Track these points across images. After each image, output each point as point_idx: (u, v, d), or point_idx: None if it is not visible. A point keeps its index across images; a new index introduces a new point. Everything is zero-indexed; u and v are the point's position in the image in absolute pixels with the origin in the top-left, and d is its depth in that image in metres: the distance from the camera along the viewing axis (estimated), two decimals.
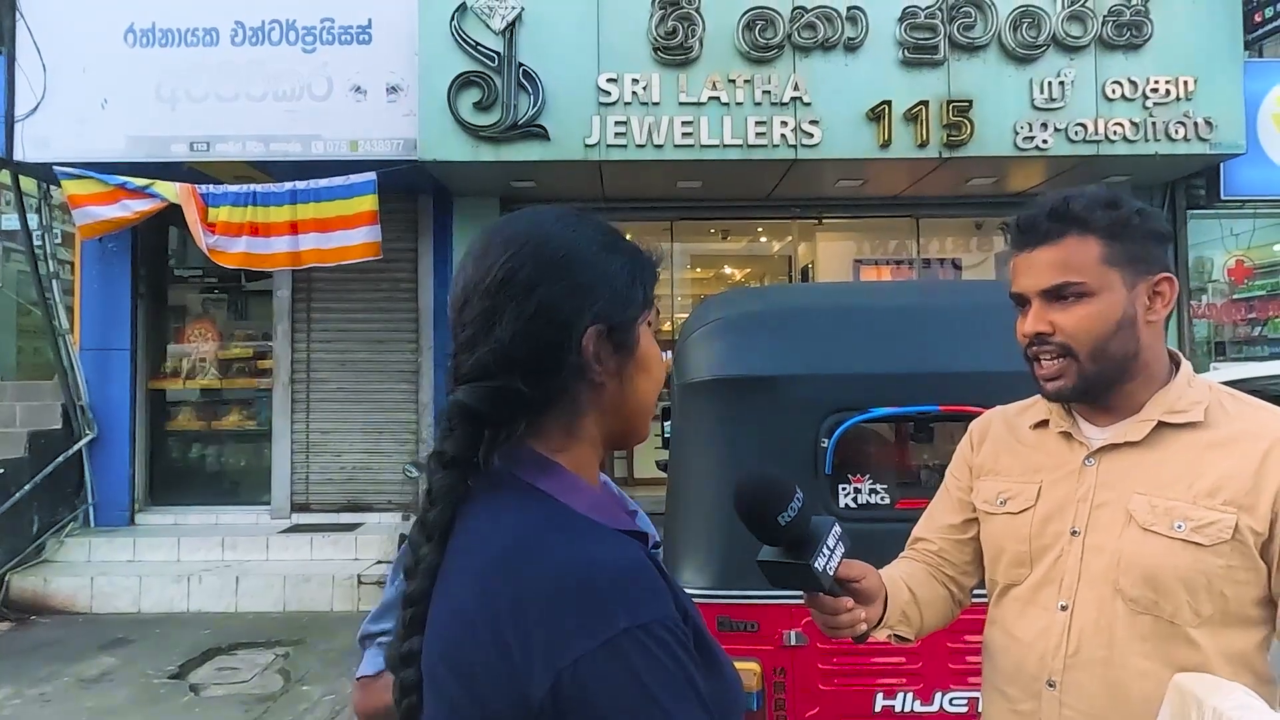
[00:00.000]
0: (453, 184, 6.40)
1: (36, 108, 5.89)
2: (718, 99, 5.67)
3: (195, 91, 5.88)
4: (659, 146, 5.66)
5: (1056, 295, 1.17)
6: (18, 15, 5.88)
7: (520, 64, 5.63)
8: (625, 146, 5.66)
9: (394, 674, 0.84)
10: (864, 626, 1.16)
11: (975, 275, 7.87)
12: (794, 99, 5.66)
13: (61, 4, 6.00)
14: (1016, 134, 5.65)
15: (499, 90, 5.59)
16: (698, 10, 5.63)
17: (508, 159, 5.66)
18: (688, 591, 2.33)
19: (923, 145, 5.64)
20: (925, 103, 5.61)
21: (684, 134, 5.65)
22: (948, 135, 5.62)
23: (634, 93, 5.66)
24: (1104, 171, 6.12)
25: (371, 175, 5.74)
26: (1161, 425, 1.18)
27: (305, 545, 6.28)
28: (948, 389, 2.19)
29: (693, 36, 5.63)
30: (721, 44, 5.68)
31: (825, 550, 1.06)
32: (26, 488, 6.11)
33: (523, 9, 5.65)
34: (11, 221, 6.82)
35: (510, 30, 5.62)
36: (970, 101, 5.62)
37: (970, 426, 1.46)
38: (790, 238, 8.26)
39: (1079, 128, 5.64)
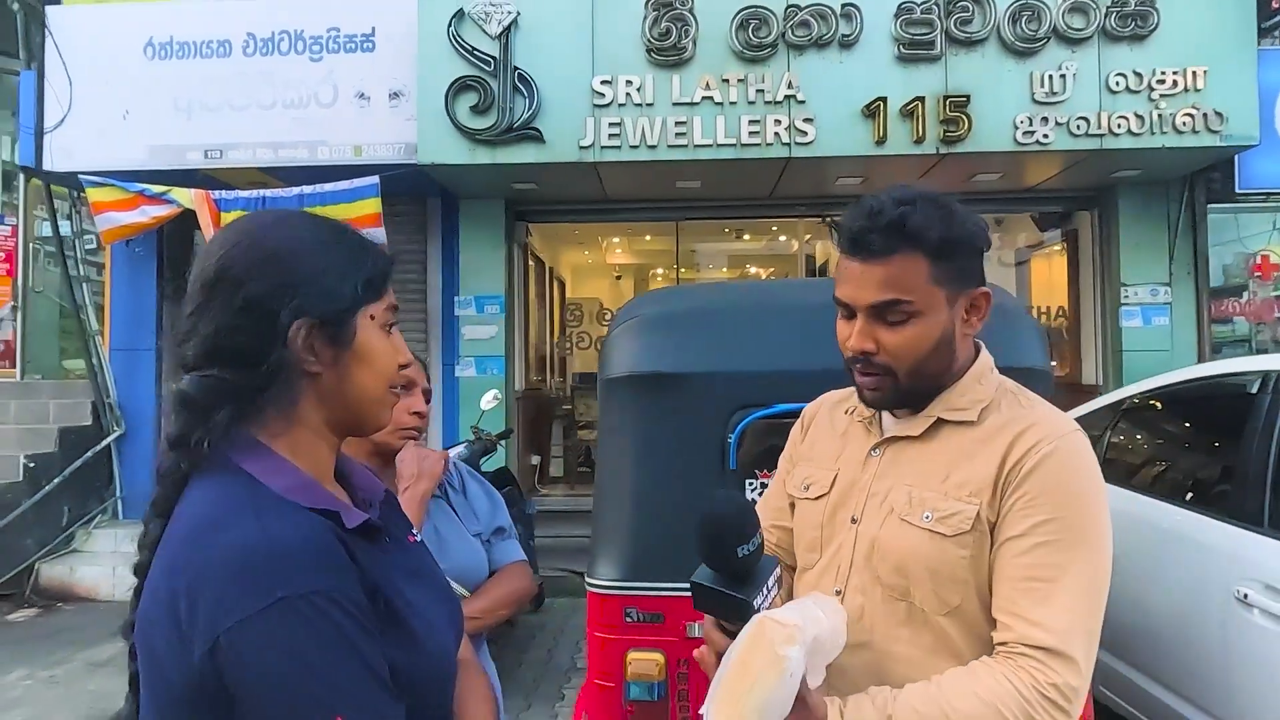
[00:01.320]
0: (456, 187, 6.54)
1: (63, 120, 6.19)
2: (711, 99, 5.69)
3: (209, 101, 6.12)
4: (652, 147, 5.70)
5: (883, 312, 1.15)
6: (46, 32, 6.19)
7: (516, 67, 5.73)
8: (619, 148, 5.72)
9: (126, 641, 0.92)
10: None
11: (997, 273, 7.74)
12: (788, 97, 5.66)
13: (85, 20, 6.30)
14: (1016, 129, 5.55)
15: (495, 94, 5.70)
16: (691, 11, 5.66)
17: (504, 161, 5.77)
18: (600, 582, 2.38)
19: (919, 141, 5.58)
20: (921, 98, 5.55)
21: (677, 134, 5.69)
22: (945, 131, 5.55)
23: (628, 94, 5.71)
24: (1113, 165, 5.98)
25: (374, 179, 5.89)
26: (941, 421, 1.20)
27: None
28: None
29: (686, 37, 5.67)
30: (715, 44, 5.70)
31: (765, 590, 1.07)
32: (57, 480, 6.42)
33: (518, 13, 5.75)
34: (47, 228, 7.17)
35: (506, 34, 5.73)
36: (968, 96, 5.55)
37: (803, 412, 1.48)
38: (809, 236, 8.24)
39: (1081, 121, 5.51)
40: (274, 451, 0.90)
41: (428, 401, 1.66)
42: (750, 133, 5.67)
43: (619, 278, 11.54)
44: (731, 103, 5.70)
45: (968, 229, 1.18)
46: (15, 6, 6.04)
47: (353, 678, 0.78)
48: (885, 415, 1.27)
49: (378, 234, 5.98)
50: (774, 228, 8.91)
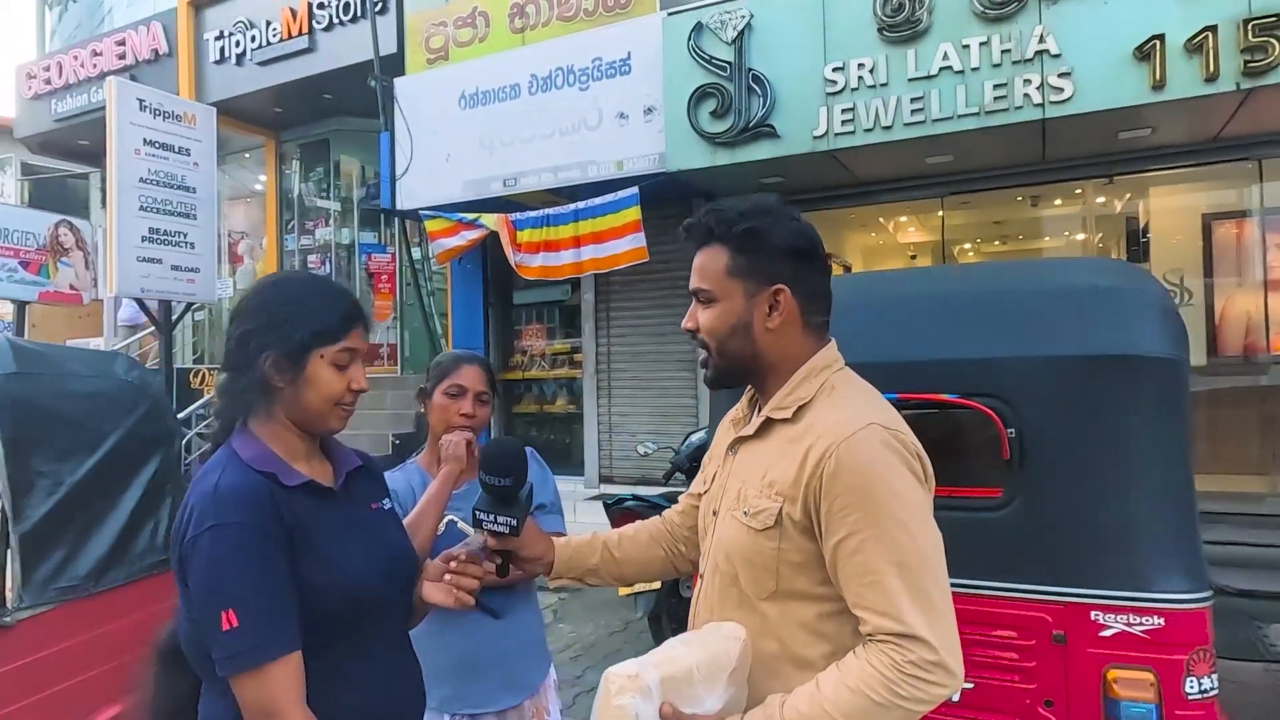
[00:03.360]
0: (710, 188, 6.94)
1: (407, 168, 7.76)
2: (950, 68, 5.39)
3: (504, 137, 7.25)
4: (887, 128, 5.57)
5: (699, 295, 1.38)
6: (394, 99, 7.81)
7: (750, 69, 5.97)
8: (852, 133, 5.68)
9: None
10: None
11: None
12: (1039, 53, 5.15)
13: (420, 85, 7.82)
14: None
15: (732, 97, 6.00)
16: None
17: (742, 160, 6.04)
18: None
19: (1211, 80, 4.74)
20: (1212, 28, 4.70)
21: (913, 110, 5.49)
22: (1246, 62, 4.64)
23: (859, 77, 5.64)
24: None
25: (634, 190, 6.54)
26: (770, 420, 1.32)
27: (600, 510, 7.36)
28: (918, 376, 2.20)
29: (921, 7, 5.43)
30: (953, 10, 5.38)
31: (496, 519, 1.45)
32: (414, 455, 8.09)
33: (752, 16, 5.97)
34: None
35: (740, 39, 5.99)
36: (1278, 16, 4.58)
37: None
38: (1129, 195, 7.28)
39: None
40: (254, 435, 1.38)
41: (485, 404, 2.07)
42: (995, 98, 5.27)
43: (914, 257, 11.08)
44: (973, 69, 5.34)
45: (773, 231, 1.30)
46: (372, 83, 7.70)
47: (245, 584, 1.23)
48: (754, 416, 1.40)
49: (638, 239, 6.63)
50: (1077, 190, 7.96)
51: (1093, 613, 2.00)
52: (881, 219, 9.61)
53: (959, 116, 5.37)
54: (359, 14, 8.50)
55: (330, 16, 8.74)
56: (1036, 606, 2.06)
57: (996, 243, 11.09)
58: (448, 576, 1.43)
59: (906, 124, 5.52)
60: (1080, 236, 9.27)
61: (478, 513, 1.44)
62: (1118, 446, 2.02)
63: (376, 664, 1.39)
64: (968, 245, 11.22)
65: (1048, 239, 10.00)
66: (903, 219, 9.93)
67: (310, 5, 8.82)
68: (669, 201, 7.02)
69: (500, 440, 1.54)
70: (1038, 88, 5.15)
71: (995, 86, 5.27)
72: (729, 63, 6.03)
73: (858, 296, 2.39)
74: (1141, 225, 7.62)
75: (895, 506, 1.17)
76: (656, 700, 1.14)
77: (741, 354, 1.34)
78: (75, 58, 10.50)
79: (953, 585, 2.12)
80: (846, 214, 8.70)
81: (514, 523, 1.44)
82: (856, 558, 1.17)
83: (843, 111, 5.69)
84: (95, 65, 10.18)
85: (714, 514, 1.40)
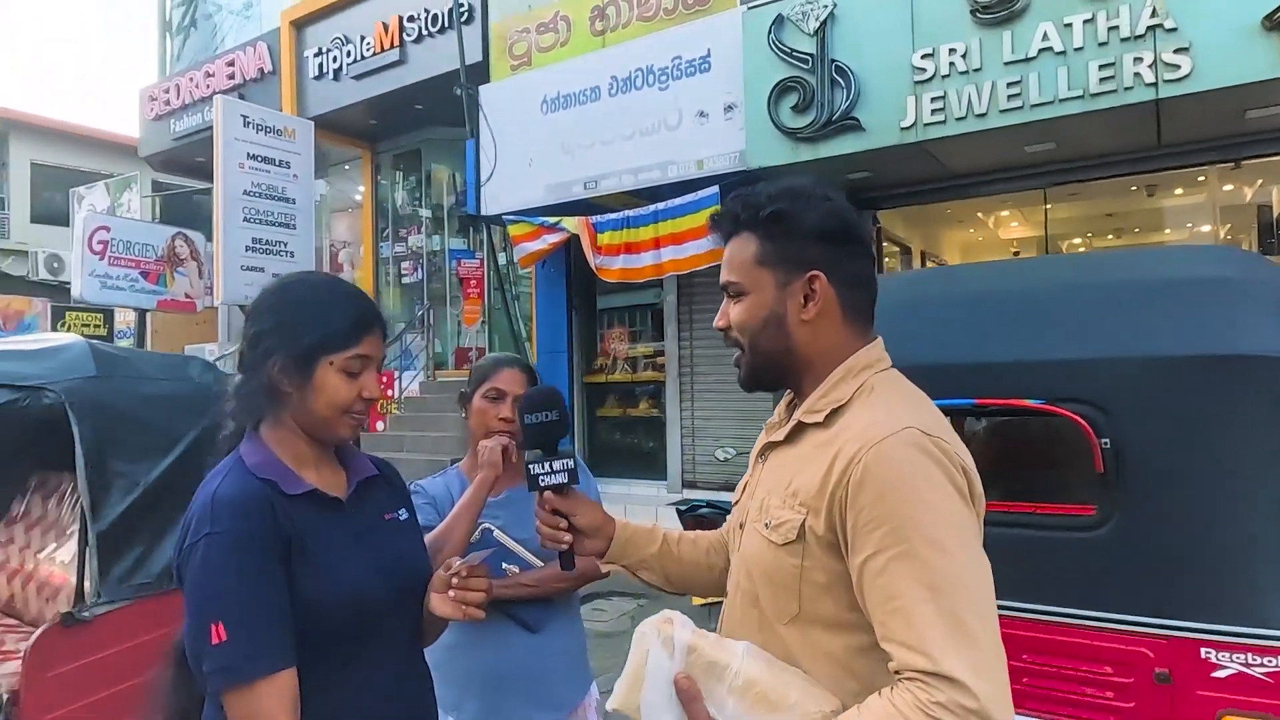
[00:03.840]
0: None
1: (491, 174, 7.86)
2: (1050, 49, 5.03)
3: (585, 140, 7.24)
4: (981, 116, 5.25)
5: (729, 290, 1.26)
6: (479, 107, 7.92)
7: (833, 60, 5.74)
8: (943, 123, 5.37)
9: None
10: (565, 540, 1.36)
11: None
12: (1152, 28, 4.73)
13: (503, 91, 7.91)
14: None
15: (814, 90, 5.78)
16: None
17: (825, 155, 5.82)
18: None
19: None
20: None
21: (1009, 96, 5.14)
22: None
23: (951, 64, 5.33)
24: None
25: (713, 189, 6.40)
26: (801, 425, 1.18)
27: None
28: (996, 380, 2.00)
29: None
30: None
31: (549, 465, 1.35)
32: None
33: (835, 5, 5.74)
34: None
35: (823, 29, 5.77)
36: None
37: None
38: (1260, 181, 6.68)
39: None
40: (261, 440, 1.34)
41: None
42: (1101, 79, 4.87)
43: (1017, 252, 10.49)
44: (1076, 49, 4.96)
45: (804, 213, 1.16)
46: (458, 92, 7.84)
47: (236, 596, 1.18)
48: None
49: (718, 239, 6.48)
50: (1200, 178, 7.34)
51: (1204, 650, 1.76)
52: (980, 214, 9.14)
53: (1060, 101, 5.00)
54: (446, 25, 8.67)
55: (420, 28, 8.96)
56: (1136, 640, 1.83)
57: (1110, 236, 10.41)
58: (451, 592, 1.35)
59: (1002, 110, 5.18)
60: (1206, 228, 8.58)
61: (530, 467, 1.34)
62: (1230, 459, 1.76)
63: (378, 678, 1.32)
64: (1077, 240, 10.57)
65: (1169, 231, 9.31)
66: (1003, 213, 9.43)
67: (401, 19, 9.07)
68: None
69: (536, 388, 1.47)
70: (1150, 66, 4.74)
71: (1101, 67, 4.87)
72: (811, 55, 5.81)
73: (929, 292, 2.20)
74: (1277, 215, 6.97)
75: (929, 521, 1.00)
76: (676, 661, 1.08)
77: (774, 350, 1.21)
78: (191, 79, 11.16)
79: (1037, 612, 1.92)
80: (941, 209, 8.31)
81: (571, 464, 1.35)
82: (880, 580, 1.01)
83: (932, 100, 5.39)
84: (208, 85, 10.78)
85: (740, 526, 1.27)
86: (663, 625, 1.12)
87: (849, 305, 1.20)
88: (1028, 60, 5.10)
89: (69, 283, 10.04)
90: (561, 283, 8.65)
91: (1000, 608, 1.92)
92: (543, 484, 1.34)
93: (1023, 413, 1.97)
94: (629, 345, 8.68)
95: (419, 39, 9.01)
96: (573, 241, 7.26)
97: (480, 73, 8.27)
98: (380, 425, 9.42)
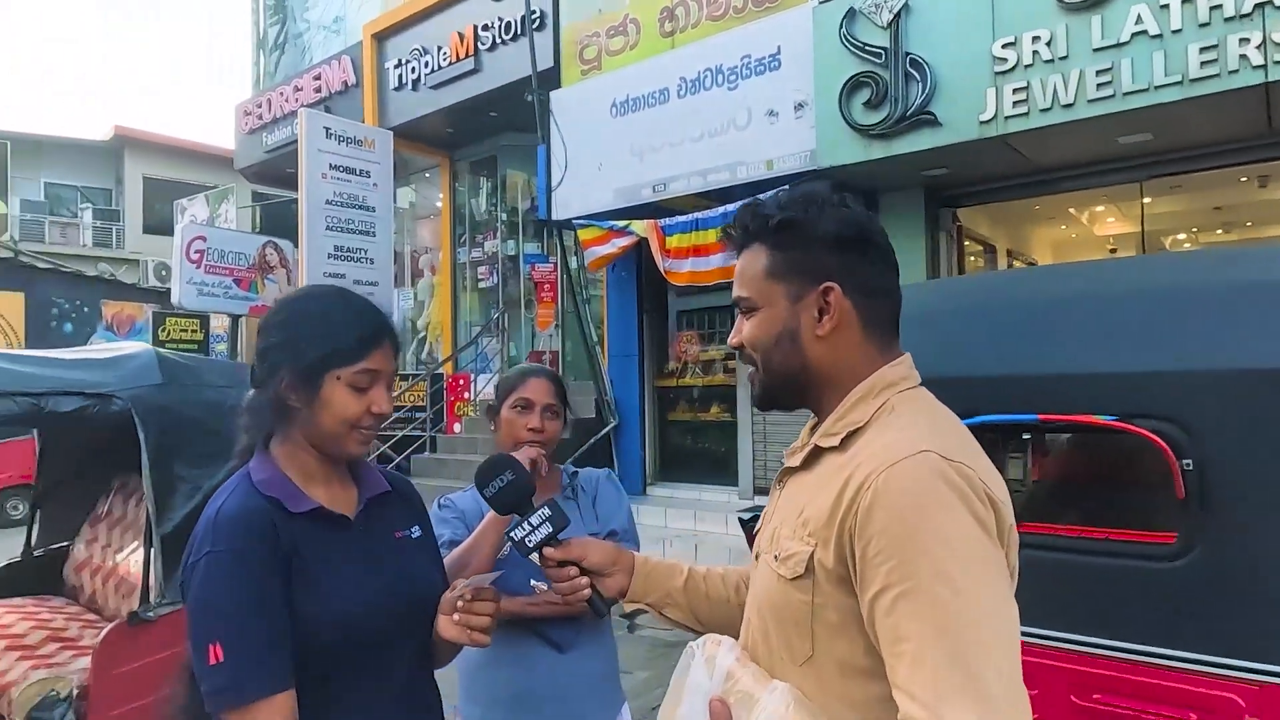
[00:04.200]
0: (867, 184, 6.51)
1: (562, 179, 7.90)
2: (1144, 33, 4.70)
3: (654, 143, 7.19)
4: (1067, 106, 4.95)
5: (739, 307, 1.18)
6: (550, 113, 7.98)
7: (908, 53, 5.52)
8: (1026, 115, 5.09)
9: None
10: (585, 592, 1.30)
11: None
12: (1260, 6, 4.36)
13: (574, 96, 7.94)
14: None
15: (887, 85, 5.58)
16: None
17: (899, 152, 5.60)
18: None
19: None
20: None
21: (1098, 85, 4.83)
22: None
23: (1034, 52, 5.05)
24: None
25: (784, 190, 6.24)
26: (818, 449, 1.09)
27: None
28: (1063, 394, 1.84)
29: None
30: None
31: (527, 525, 1.30)
32: (570, 459, 8.22)
33: None
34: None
35: (896, 21, 5.56)
36: None
37: None
38: None
39: None
40: (269, 455, 1.33)
41: (555, 418, 1.94)
42: (1203, 63, 4.52)
43: (1113, 250, 9.90)
44: (1174, 31, 4.62)
45: (816, 221, 1.07)
46: (529, 98, 7.91)
47: (234, 617, 1.16)
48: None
49: (730, 252, 6.31)
50: None
51: None
52: (1072, 209, 8.67)
53: (1156, 88, 4.67)
54: (519, 32, 8.77)
55: (493, 37, 9.09)
56: (1222, 685, 1.64)
57: (1219, 231, 9.73)
58: (456, 616, 1.30)
59: (1091, 100, 4.87)
60: None
61: (512, 535, 1.29)
62: None
63: (381, 699, 1.29)
64: (1182, 235, 9.91)
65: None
66: (1098, 208, 8.91)
67: (475, 28, 9.22)
68: None
69: (483, 461, 1.40)
70: (1258, 47, 4.37)
71: (1202, 50, 4.52)
72: (884, 49, 5.61)
73: (988, 298, 2.04)
74: None
75: (942, 555, 0.90)
76: (715, 684, 1.07)
77: (789, 368, 1.12)
78: (281, 94, 11.64)
79: (1112, 649, 1.75)
80: (1028, 206, 7.92)
81: (547, 511, 1.29)
82: (889, 620, 0.91)
83: (1014, 92, 5.12)
84: (297, 99, 11.22)
85: (756, 558, 1.19)
86: (710, 645, 1.12)
87: (869, 319, 1.10)
88: (1119, 45, 4.78)
89: None
90: (632, 286, 8.62)
91: (1071, 643, 1.78)
92: (530, 545, 1.28)
93: (1093, 429, 1.80)
94: (700, 349, 8.58)
95: (493, 47, 9.14)
96: (643, 245, 7.22)
97: (552, 78, 8.32)
98: (457, 427, 9.60)
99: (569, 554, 1.31)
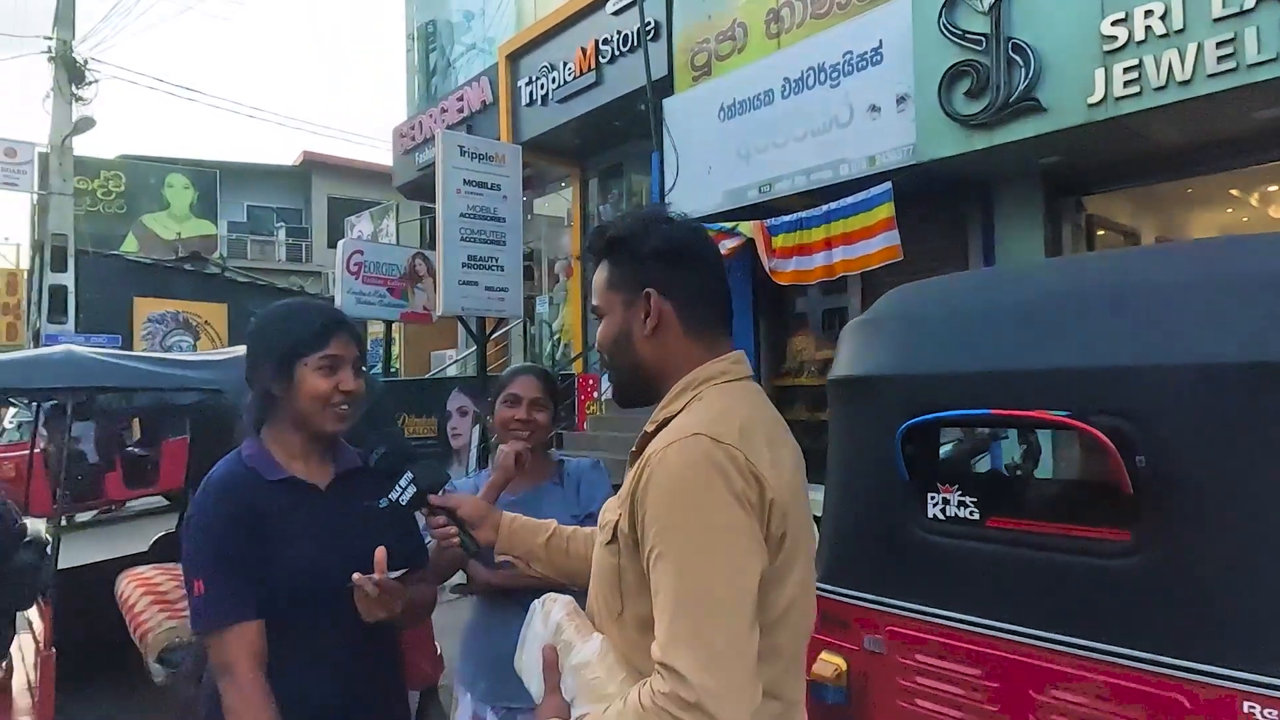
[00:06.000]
0: (979, 176, 6.27)
1: (674, 184, 8.11)
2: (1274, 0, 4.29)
3: (759, 144, 7.25)
4: (1184, 83, 4.58)
5: (595, 315, 1.37)
6: (662, 120, 8.21)
7: (1010, 38, 5.29)
8: (1139, 94, 4.76)
9: None
10: (454, 537, 1.54)
11: None
12: None
13: (684, 103, 8.13)
14: None
15: (988, 72, 5.37)
16: None
17: (1002, 141, 5.37)
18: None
19: None
20: None
21: (1220, 58, 4.45)
22: None
23: (1147, 27, 4.71)
24: None
25: (886, 185, 6.14)
26: (647, 434, 1.24)
27: None
28: (1018, 390, 1.86)
29: None
30: None
31: (397, 488, 1.56)
32: None
33: None
34: None
35: (997, 6, 5.35)
36: None
37: None
38: None
39: None
40: (258, 436, 1.63)
41: (542, 410, 2.14)
42: None
43: None
44: None
45: (638, 236, 1.23)
46: (642, 107, 8.18)
47: (212, 559, 1.46)
48: None
49: (890, 237, 6.20)
50: None
51: (1246, 703, 1.51)
52: (1235, 190, 7.86)
53: None
54: (636, 44, 9.07)
55: (613, 50, 9.45)
56: (1167, 685, 1.61)
57: None
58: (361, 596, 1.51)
59: (1210, 75, 4.49)
60: None
61: (389, 498, 1.55)
62: None
63: (330, 652, 1.55)
64: None
65: None
66: (1271, 188, 8.02)
67: (596, 42, 9.62)
68: (931, 197, 6.48)
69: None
70: None
71: None
72: (985, 35, 5.40)
73: (953, 299, 2.06)
74: None
75: (692, 526, 1.06)
76: (547, 634, 1.25)
77: (626, 365, 1.31)
78: (430, 116, 12.60)
79: (1063, 645, 1.74)
80: (1179, 189, 7.29)
81: (404, 482, 1.54)
82: (652, 575, 1.09)
83: (1125, 71, 4.80)
84: (442, 120, 12.11)
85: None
86: (549, 602, 1.31)
87: (690, 320, 1.25)
88: (1242, 13, 4.38)
89: None
90: (747, 286, 8.66)
91: (1025, 636, 1.79)
92: (404, 503, 1.54)
93: (1045, 425, 1.80)
94: (817, 348, 8.51)
95: (613, 59, 9.50)
96: (751, 245, 7.29)
97: (667, 87, 8.55)
98: (586, 425, 10.03)
99: (446, 504, 1.56)
